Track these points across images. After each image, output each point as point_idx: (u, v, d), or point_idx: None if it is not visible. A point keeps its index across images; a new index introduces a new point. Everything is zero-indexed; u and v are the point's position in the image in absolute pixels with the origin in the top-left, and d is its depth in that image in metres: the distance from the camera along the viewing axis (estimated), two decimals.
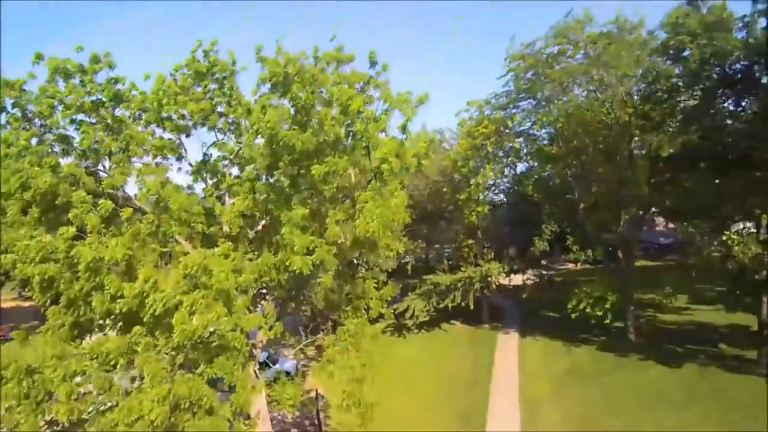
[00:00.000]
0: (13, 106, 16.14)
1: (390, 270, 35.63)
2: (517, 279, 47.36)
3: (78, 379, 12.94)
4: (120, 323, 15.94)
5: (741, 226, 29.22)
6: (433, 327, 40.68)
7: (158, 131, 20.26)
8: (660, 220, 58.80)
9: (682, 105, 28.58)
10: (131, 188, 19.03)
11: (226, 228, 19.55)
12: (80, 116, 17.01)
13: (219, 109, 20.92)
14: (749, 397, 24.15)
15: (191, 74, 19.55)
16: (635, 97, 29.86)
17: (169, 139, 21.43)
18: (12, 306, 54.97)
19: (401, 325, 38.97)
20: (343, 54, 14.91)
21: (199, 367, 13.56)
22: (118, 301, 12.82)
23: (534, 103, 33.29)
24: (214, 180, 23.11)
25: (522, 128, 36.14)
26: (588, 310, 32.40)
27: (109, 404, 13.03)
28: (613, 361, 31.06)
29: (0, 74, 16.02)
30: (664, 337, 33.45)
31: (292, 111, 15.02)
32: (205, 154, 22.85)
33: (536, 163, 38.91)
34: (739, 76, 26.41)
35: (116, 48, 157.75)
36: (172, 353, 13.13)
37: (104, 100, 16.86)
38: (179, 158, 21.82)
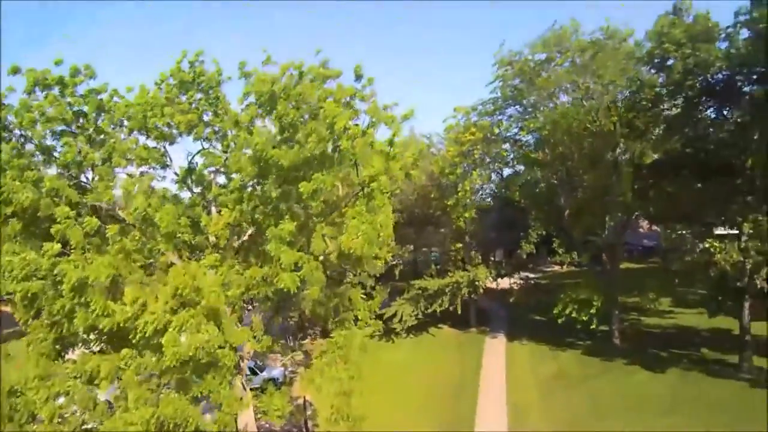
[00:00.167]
0: None
1: (378, 274, 35.68)
2: (504, 282, 47.75)
3: (61, 400, 12.75)
4: (104, 337, 15.79)
5: (723, 230, 29.80)
6: (421, 331, 40.76)
7: (142, 139, 20.10)
8: (644, 222, 59.72)
9: (665, 114, 28.98)
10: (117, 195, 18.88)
11: (212, 238, 19.42)
12: (62, 127, 16.85)
13: (205, 117, 20.79)
14: (731, 402, 24.55)
15: (176, 84, 19.36)
16: (619, 105, 30.20)
17: (154, 147, 21.25)
18: None
19: (389, 329, 38.99)
20: (329, 69, 14.87)
21: (185, 386, 13.42)
22: (103, 320, 12.65)
23: (521, 110, 33.54)
24: (200, 188, 22.93)
25: (509, 134, 36.40)
26: (574, 315, 32.72)
27: (93, 425, 12.85)
28: (599, 365, 31.41)
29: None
30: (648, 341, 33.93)
31: (278, 126, 14.93)
32: (190, 162, 22.67)
33: (523, 167, 39.27)
34: (721, 85, 26.86)
35: (116, 48, 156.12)
36: (160, 374, 12.95)
37: (86, 111, 16.56)
38: (164, 167, 21.62)
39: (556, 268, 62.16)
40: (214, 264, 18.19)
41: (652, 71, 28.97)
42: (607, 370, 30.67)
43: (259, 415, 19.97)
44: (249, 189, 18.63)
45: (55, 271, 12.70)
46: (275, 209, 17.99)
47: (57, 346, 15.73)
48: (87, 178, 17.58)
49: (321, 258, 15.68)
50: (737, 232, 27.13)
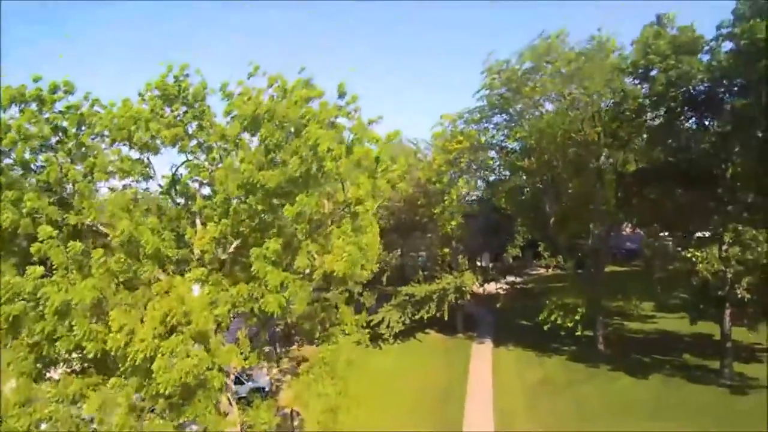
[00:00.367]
0: None
1: (365, 281, 35.68)
2: (491, 286, 48.01)
3: (44, 426, 12.55)
4: (88, 356, 15.55)
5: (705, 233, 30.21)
6: (408, 337, 40.81)
7: (125, 149, 19.83)
8: (627, 225, 60.46)
9: (648, 124, 29.39)
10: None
11: (197, 251, 19.24)
12: (41, 143, 16.52)
13: (190, 129, 20.56)
14: (712, 408, 24.97)
15: (161, 97, 19.11)
16: (603, 115, 30.53)
17: (137, 159, 20.98)
18: None
19: (376, 335, 38.96)
20: (312, 89, 14.81)
21: (174, 411, 13.29)
22: (88, 343, 12.48)
23: (507, 118, 33.75)
24: (184, 199, 22.67)
25: (495, 141, 36.58)
26: (559, 321, 33.05)
27: None
28: (584, 371, 31.78)
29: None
30: (631, 347, 34.44)
31: (263, 147, 14.84)
32: (174, 174, 22.41)
33: (509, 173, 39.55)
34: (703, 97, 27.31)
35: (116, 48, 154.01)
36: (149, 400, 12.81)
37: (66, 126, 16.27)
38: (147, 178, 21.33)
39: (542, 271, 62.68)
40: (201, 278, 18.09)
41: (636, 81, 29.37)
42: (592, 375, 31.05)
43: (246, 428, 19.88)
44: (235, 202, 18.50)
45: (38, 294, 12.51)
46: (261, 223, 17.95)
47: (38, 365, 15.50)
48: (68, 193, 17.30)
49: (306, 273, 15.66)
50: (718, 239, 27.56)
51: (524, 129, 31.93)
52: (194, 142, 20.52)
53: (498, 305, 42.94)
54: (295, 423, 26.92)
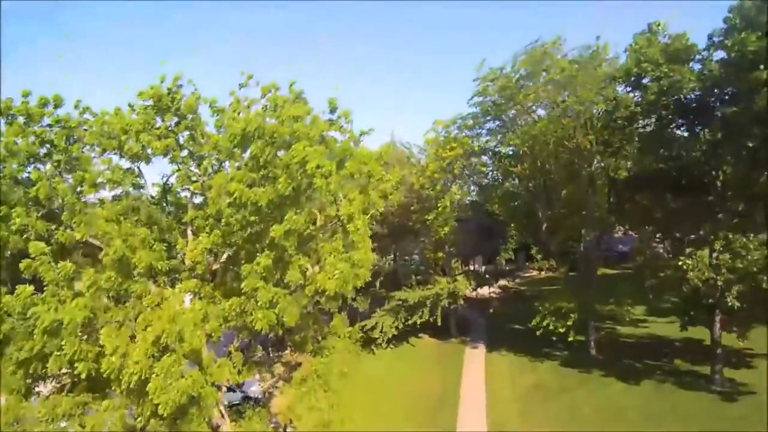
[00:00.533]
0: None
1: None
2: (484, 288, 48.08)
3: None
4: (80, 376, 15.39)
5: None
6: (401, 341, 40.78)
7: (116, 158, 19.69)
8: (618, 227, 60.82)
9: (639, 131, 29.53)
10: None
11: (188, 262, 19.12)
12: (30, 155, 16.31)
13: (181, 138, 20.43)
14: (703, 415, 25.15)
15: (153, 107, 18.95)
16: (595, 122, 30.64)
17: (128, 168, 20.83)
18: None
19: (370, 339, 38.93)
20: (301, 107, 14.71)
21: (165, 427, 13.18)
22: (78, 363, 12.35)
23: (500, 124, 33.81)
24: (175, 208, 22.50)
25: (488, 146, 36.66)
26: (551, 327, 33.18)
27: None
28: (576, 377, 31.89)
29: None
30: (623, 352, 34.61)
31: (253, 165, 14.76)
32: (165, 183, 22.26)
33: (501, 176, 39.67)
34: (694, 105, 27.47)
35: (116, 47, 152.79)
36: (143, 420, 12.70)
37: (55, 142, 16.08)
38: (138, 188, 21.16)
39: (534, 273, 62.91)
40: (192, 290, 17.97)
41: (628, 89, 29.52)
42: (584, 381, 31.17)
43: None
44: (226, 213, 18.37)
45: (28, 314, 12.35)
46: (253, 234, 17.85)
47: (28, 381, 15.33)
48: (57, 207, 17.10)
49: (299, 285, 15.56)
50: (709, 246, 27.74)
51: (517, 136, 31.99)
52: (186, 152, 20.48)
53: (491, 311, 42.96)
54: (289, 431, 26.83)
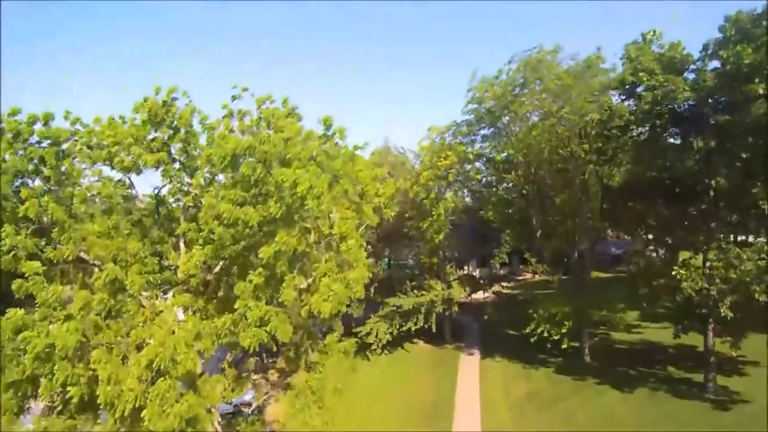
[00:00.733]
0: None
1: None
2: (479, 292, 48.05)
3: None
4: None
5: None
6: (395, 347, 40.74)
7: (107, 170, 19.50)
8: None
9: (633, 139, 29.55)
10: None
11: (180, 274, 18.96)
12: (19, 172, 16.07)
13: (174, 149, 20.22)
14: (696, 423, 25.24)
15: (147, 120, 18.73)
16: (589, 130, 30.64)
17: (119, 180, 20.65)
18: None
19: (365, 344, 38.83)
20: (294, 122, 14.55)
21: None
22: (71, 388, 12.16)
23: (494, 130, 33.74)
24: (167, 221, 22.26)
25: (482, 152, 36.61)
26: (545, 334, 33.22)
27: None
28: (571, 384, 31.94)
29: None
30: (617, 358, 34.70)
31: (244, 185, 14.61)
32: (157, 195, 22.03)
33: (495, 181, 39.65)
34: (688, 114, 27.47)
35: (116, 47, 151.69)
36: None
37: (45, 159, 15.84)
38: (130, 200, 20.97)
39: (528, 276, 63.00)
40: (185, 304, 17.78)
41: (623, 97, 29.53)
42: (579, 389, 31.20)
43: None
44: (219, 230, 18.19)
45: (19, 338, 12.14)
46: (246, 248, 17.69)
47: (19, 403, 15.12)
48: (47, 224, 16.85)
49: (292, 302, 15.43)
50: (702, 256, 27.81)
51: (511, 144, 31.96)
52: (178, 164, 20.27)
53: (485, 317, 42.93)
54: None
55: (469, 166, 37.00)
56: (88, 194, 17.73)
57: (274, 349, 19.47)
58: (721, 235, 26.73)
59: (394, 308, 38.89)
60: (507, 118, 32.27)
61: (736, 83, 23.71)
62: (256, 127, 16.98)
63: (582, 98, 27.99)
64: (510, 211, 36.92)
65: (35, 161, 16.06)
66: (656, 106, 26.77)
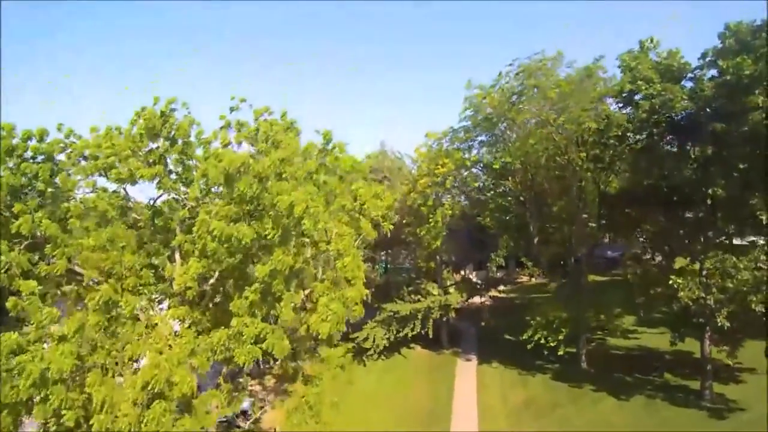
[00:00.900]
0: None
1: None
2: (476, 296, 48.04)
3: None
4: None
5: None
6: (392, 352, 40.55)
7: (102, 181, 19.32)
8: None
9: (630, 147, 29.53)
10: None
11: (176, 287, 18.79)
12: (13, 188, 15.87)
13: (170, 160, 20.05)
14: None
15: (145, 132, 18.54)
16: (586, 136, 30.59)
17: (114, 191, 20.46)
18: None
19: (361, 349, 38.71)
20: (291, 140, 14.41)
21: None
22: (66, 413, 11.99)
23: (491, 136, 33.67)
24: (163, 232, 22.06)
25: (480, 157, 36.55)
26: (543, 341, 33.21)
27: None
28: (567, 392, 31.90)
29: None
30: (614, 365, 34.66)
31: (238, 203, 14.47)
32: (153, 206, 21.84)
33: (492, 187, 39.63)
34: (685, 122, 27.47)
35: (115, 47, 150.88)
36: None
37: (39, 175, 15.64)
38: (124, 213, 20.75)
39: (525, 279, 63.08)
40: (181, 317, 17.63)
41: (620, 105, 29.49)
42: (576, 397, 31.17)
43: None
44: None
45: (14, 362, 11.97)
46: (242, 261, 17.54)
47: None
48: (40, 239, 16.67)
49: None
50: (699, 264, 27.82)
51: (509, 152, 31.88)
52: (174, 175, 20.10)
53: (482, 324, 42.92)
54: None
55: (466, 173, 36.90)
56: (83, 207, 17.56)
57: (270, 362, 19.32)
58: (718, 241, 26.71)
59: (391, 314, 38.77)
60: (504, 125, 32.20)
61: (735, 94, 23.68)
62: (253, 142, 16.80)
63: (580, 107, 27.93)
64: (507, 217, 36.85)
65: (29, 176, 15.89)
66: (654, 114, 26.77)
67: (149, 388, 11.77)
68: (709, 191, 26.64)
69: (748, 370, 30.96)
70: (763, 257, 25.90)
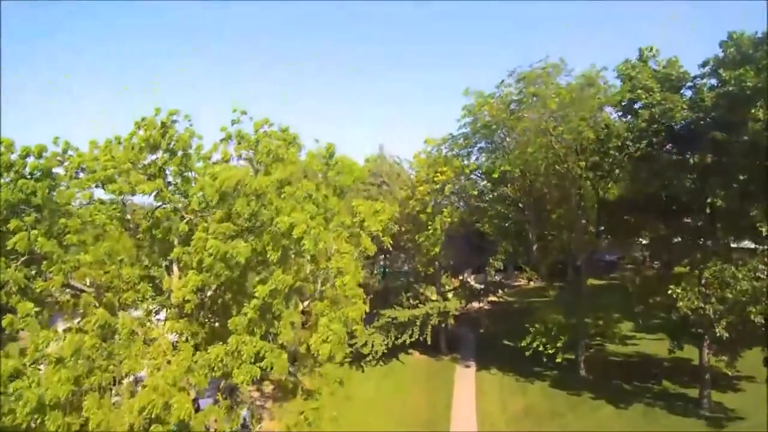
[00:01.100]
0: None
1: None
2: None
3: None
4: None
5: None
6: (391, 358, 40.38)
7: (99, 192, 19.23)
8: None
9: (629, 156, 29.49)
10: None
11: (174, 299, 18.70)
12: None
13: (168, 171, 19.95)
14: None
15: (144, 145, 18.41)
16: (585, 144, 30.53)
17: (112, 202, 20.36)
18: None
19: (360, 355, 38.60)
20: (292, 155, 14.30)
21: None
22: None
23: (490, 143, 33.60)
24: (161, 244, 21.92)
25: (479, 164, 36.48)
26: (541, 348, 33.19)
27: None
28: (566, 399, 31.87)
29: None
30: (612, 372, 34.66)
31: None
32: (151, 216, 21.70)
33: (491, 192, 39.52)
34: (684, 131, 27.42)
35: (115, 47, 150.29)
36: None
37: (37, 192, 15.49)
38: (122, 222, 20.62)
39: (523, 282, 63.00)
40: (178, 330, 17.53)
41: (620, 113, 29.45)
42: (574, 405, 31.14)
43: None
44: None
45: (11, 388, 11.85)
46: (241, 276, 17.43)
47: None
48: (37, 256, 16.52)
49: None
50: (698, 274, 27.80)
51: (508, 160, 31.76)
52: (173, 187, 20.00)
53: (481, 330, 42.87)
54: None
55: (465, 180, 36.80)
56: (80, 222, 17.41)
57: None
58: (718, 247, 26.71)
59: (390, 320, 38.67)
60: (503, 132, 32.12)
61: (736, 105, 23.64)
62: (254, 154, 16.68)
63: (579, 117, 27.86)
64: (507, 224, 36.78)
65: (26, 192, 15.74)
66: (653, 123, 26.74)
67: (146, 413, 11.66)
68: (709, 200, 26.66)
69: (746, 378, 31.00)
70: (761, 267, 25.90)
